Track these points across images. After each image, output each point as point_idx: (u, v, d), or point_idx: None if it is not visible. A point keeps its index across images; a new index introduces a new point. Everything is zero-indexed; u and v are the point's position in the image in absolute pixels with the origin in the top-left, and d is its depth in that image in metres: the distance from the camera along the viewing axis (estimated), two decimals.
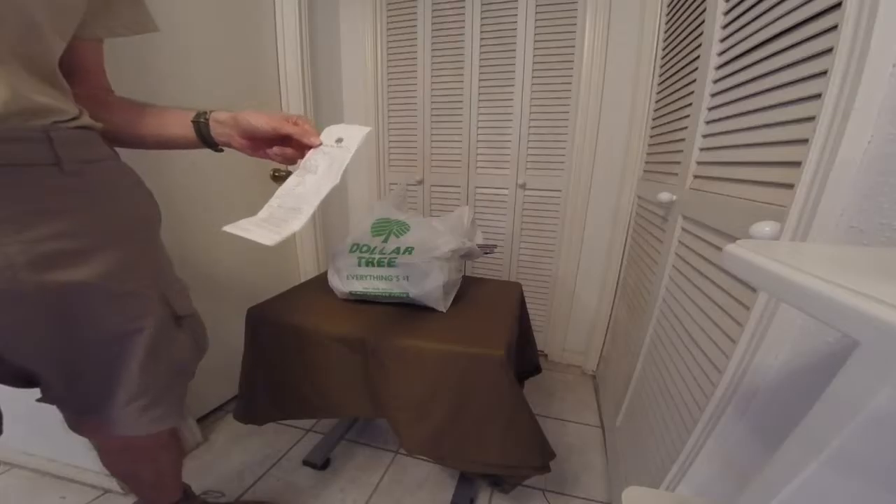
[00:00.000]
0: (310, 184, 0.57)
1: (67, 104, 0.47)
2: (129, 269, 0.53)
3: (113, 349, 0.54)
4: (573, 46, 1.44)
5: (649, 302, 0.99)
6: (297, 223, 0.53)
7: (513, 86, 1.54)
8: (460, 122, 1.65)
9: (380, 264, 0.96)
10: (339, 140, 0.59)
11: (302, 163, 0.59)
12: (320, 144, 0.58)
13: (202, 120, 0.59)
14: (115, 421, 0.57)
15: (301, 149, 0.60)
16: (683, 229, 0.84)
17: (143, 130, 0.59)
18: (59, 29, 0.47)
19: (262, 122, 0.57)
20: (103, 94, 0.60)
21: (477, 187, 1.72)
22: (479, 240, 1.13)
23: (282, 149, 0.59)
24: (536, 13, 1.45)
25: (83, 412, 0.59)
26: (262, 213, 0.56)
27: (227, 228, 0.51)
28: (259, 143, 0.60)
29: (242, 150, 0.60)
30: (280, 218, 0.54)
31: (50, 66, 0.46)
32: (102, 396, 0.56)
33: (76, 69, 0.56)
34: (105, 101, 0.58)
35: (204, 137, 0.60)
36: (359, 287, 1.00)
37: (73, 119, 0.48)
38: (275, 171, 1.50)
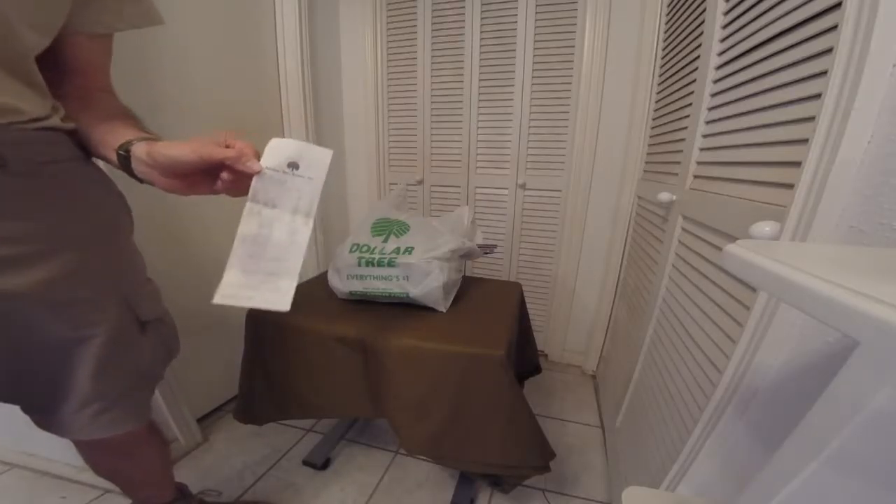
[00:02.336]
0: (277, 224, 0.49)
1: (32, 103, 0.45)
2: (78, 276, 0.51)
3: (57, 356, 0.52)
4: (573, 46, 1.44)
5: (649, 302, 0.99)
6: (290, 278, 0.48)
7: (513, 86, 1.54)
8: (460, 122, 1.65)
9: (380, 264, 0.96)
10: (294, 165, 0.49)
11: (250, 194, 0.48)
12: (261, 171, 0.47)
13: (122, 152, 0.49)
14: (67, 425, 0.57)
15: (238, 175, 0.47)
16: (683, 229, 0.84)
17: (91, 141, 0.53)
18: (35, 24, 0.44)
19: (182, 151, 0.46)
20: (92, 94, 0.56)
21: (477, 187, 1.72)
22: (479, 240, 1.13)
23: (230, 176, 0.48)
24: (536, 13, 1.45)
25: (35, 413, 0.58)
26: (236, 270, 0.48)
27: (220, 300, 0.47)
28: (195, 178, 0.48)
29: (174, 192, 0.49)
30: (265, 271, 0.49)
31: (18, 62, 0.44)
32: (51, 401, 0.55)
33: (67, 66, 0.53)
34: (89, 101, 0.55)
35: (129, 172, 0.50)
36: (359, 287, 1.00)
37: (37, 120, 0.46)
38: None
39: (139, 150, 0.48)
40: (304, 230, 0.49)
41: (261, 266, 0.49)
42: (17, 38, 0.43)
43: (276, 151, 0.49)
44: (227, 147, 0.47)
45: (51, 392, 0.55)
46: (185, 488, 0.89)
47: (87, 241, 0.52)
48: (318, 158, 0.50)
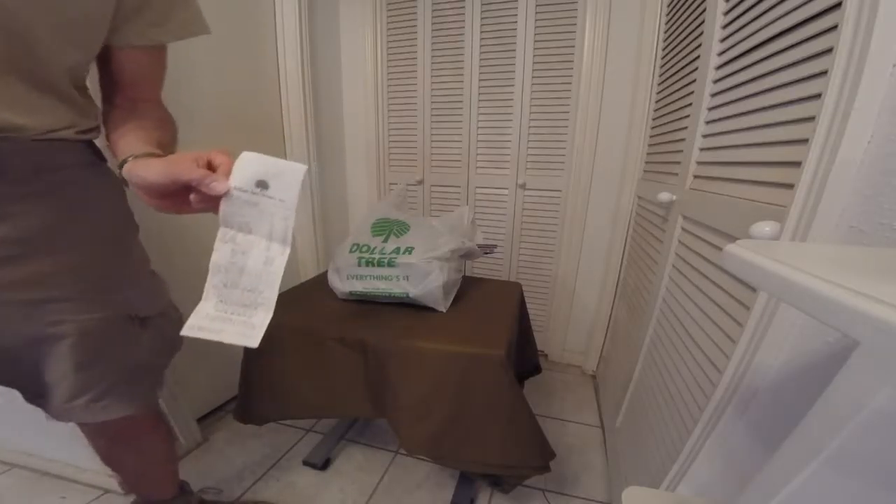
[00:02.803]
0: (252, 252, 0.46)
1: (47, 116, 0.47)
2: (55, 277, 0.51)
3: (35, 351, 0.54)
4: (573, 46, 1.44)
5: (649, 302, 0.99)
6: (264, 311, 0.46)
7: (513, 86, 1.54)
8: (460, 122, 1.65)
9: (380, 264, 0.96)
10: (263, 184, 0.44)
11: (220, 218, 0.45)
12: (227, 191, 0.44)
13: (118, 168, 0.49)
14: (60, 414, 0.59)
15: (207, 197, 0.44)
16: (683, 229, 0.84)
17: (113, 151, 0.54)
18: (72, 39, 0.47)
19: (152, 172, 0.44)
20: (137, 105, 0.58)
21: (477, 187, 1.72)
22: (479, 240, 1.13)
23: (198, 197, 0.45)
24: (536, 13, 1.45)
25: (35, 399, 0.60)
26: (210, 300, 0.46)
27: (188, 332, 0.45)
28: (179, 198, 0.45)
29: (166, 212, 0.47)
30: (239, 302, 0.46)
31: (47, 77, 0.46)
32: (40, 391, 0.57)
33: (115, 78, 0.56)
34: (132, 112, 0.56)
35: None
36: (359, 287, 1.00)
37: (50, 131, 0.47)
38: None
39: (126, 167, 0.47)
40: (279, 259, 0.46)
41: (235, 297, 0.46)
42: (44, 56, 0.45)
43: (245, 169, 0.44)
44: (209, 165, 0.45)
45: (35, 384, 0.56)
46: (186, 486, 0.89)
47: (73, 243, 0.53)
48: (289, 176, 0.44)
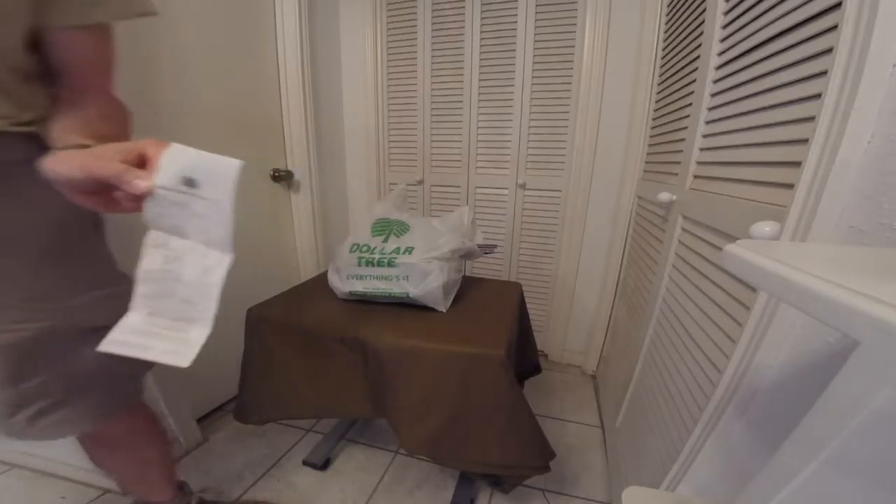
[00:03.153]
0: (188, 259, 0.41)
1: None
2: None
3: None
4: (573, 46, 1.44)
5: (649, 302, 0.99)
6: (201, 326, 0.41)
7: (513, 86, 1.54)
8: (460, 122, 1.65)
9: (380, 264, 0.96)
10: (191, 182, 0.39)
11: (147, 219, 0.40)
12: (149, 190, 0.38)
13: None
14: (8, 431, 0.56)
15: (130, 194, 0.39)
16: (683, 229, 0.84)
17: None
18: None
19: (68, 167, 0.39)
20: (82, 94, 0.52)
21: (477, 187, 1.72)
22: (479, 240, 1.13)
23: (123, 195, 0.40)
24: (536, 13, 1.45)
25: None
26: (139, 312, 0.42)
27: (107, 347, 0.41)
28: (106, 193, 0.40)
29: (99, 210, 0.43)
30: (173, 315, 0.42)
31: None
32: None
33: (56, 66, 0.50)
34: (76, 102, 0.51)
35: None
36: (359, 287, 1.00)
37: None
38: (275, 170, 1.50)
39: (43, 163, 0.41)
40: (218, 269, 0.40)
41: (169, 309, 0.41)
42: None
43: (172, 165, 0.39)
44: (141, 158, 0.40)
45: None
46: (185, 486, 0.89)
47: (10, 248, 0.49)
48: (221, 174, 0.38)
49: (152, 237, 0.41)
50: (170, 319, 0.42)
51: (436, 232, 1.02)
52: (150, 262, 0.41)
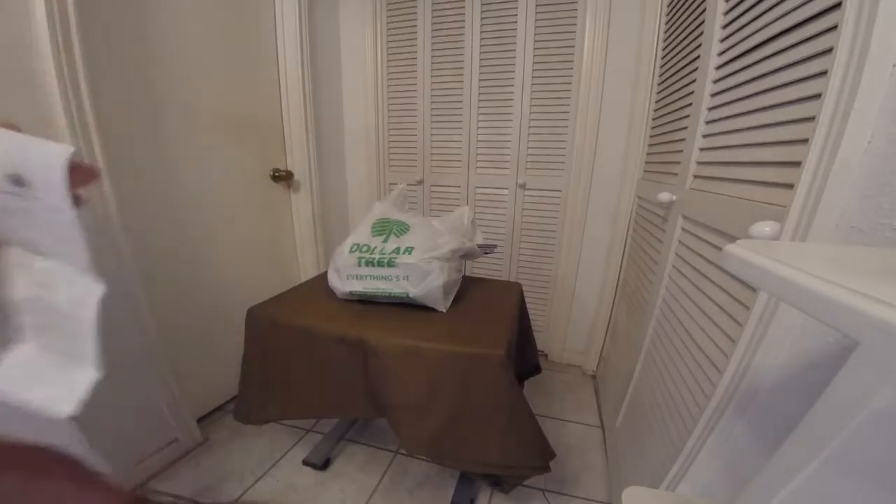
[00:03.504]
0: (54, 282, 0.32)
1: None
2: None
3: None
4: (573, 46, 1.44)
5: (649, 302, 0.99)
6: (89, 367, 0.33)
7: (513, 86, 1.54)
8: (460, 122, 1.65)
9: (380, 264, 0.96)
10: (18, 180, 0.28)
11: None
12: None
13: None
14: None
15: None
16: (683, 229, 0.84)
17: None
18: None
19: None
20: None
21: (477, 187, 1.72)
22: (479, 240, 1.13)
23: None
24: (536, 13, 1.45)
25: None
26: (28, 342, 0.34)
27: None
28: None
29: None
30: (62, 350, 0.34)
31: None
32: None
33: None
34: None
35: None
36: (359, 287, 1.00)
37: None
38: (275, 170, 1.50)
39: None
40: (89, 299, 0.32)
41: (58, 343, 0.33)
42: None
43: None
44: None
45: None
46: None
47: None
48: (48, 167, 0.27)
49: (14, 254, 0.32)
50: (60, 355, 0.34)
51: (436, 232, 1.02)
52: (19, 288, 0.32)
